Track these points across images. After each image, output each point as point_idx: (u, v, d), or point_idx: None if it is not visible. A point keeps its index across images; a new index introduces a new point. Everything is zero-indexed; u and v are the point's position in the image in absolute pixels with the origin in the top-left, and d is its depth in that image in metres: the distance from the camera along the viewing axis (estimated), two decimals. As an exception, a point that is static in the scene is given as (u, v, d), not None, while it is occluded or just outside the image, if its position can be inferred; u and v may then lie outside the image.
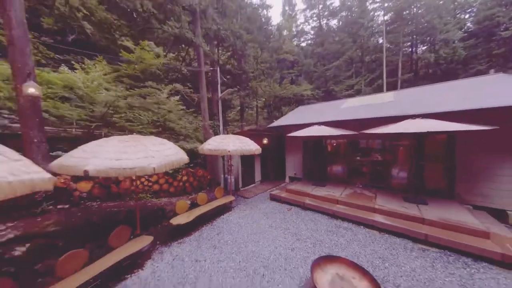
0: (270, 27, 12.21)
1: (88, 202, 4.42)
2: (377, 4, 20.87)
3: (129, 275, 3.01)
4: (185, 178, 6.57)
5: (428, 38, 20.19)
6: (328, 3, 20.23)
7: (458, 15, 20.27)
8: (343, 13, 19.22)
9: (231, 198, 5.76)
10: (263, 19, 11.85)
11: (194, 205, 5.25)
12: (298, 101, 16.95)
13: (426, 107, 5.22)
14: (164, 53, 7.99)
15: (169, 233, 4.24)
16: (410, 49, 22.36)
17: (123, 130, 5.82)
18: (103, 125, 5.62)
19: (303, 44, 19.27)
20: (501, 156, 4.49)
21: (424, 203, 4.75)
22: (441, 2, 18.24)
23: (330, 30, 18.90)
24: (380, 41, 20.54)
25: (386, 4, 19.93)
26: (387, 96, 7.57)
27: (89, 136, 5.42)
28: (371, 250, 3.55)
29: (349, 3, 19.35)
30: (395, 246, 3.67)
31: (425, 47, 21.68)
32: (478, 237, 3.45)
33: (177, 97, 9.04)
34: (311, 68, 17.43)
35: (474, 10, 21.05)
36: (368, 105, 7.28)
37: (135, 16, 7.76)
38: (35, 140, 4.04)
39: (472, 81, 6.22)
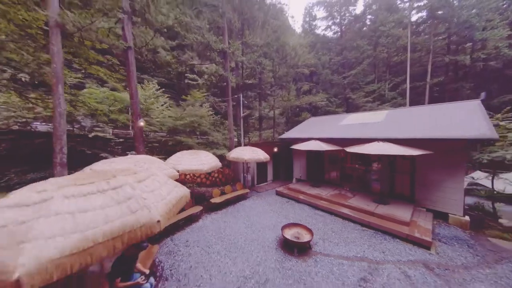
0: (287, 47, 14.41)
1: (165, 186, 7.81)
2: (407, 4, 20.60)
3: (192, 223, 6.10)
4: (216, 175, 9.68)
5: (465, 37, 19.05)
6: (350, 8, 20.99)
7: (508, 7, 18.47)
8: (365, 20, 19.82)
9: (247, 190, 8.57)
10: (280, 40, 14.18)
11: (223, 193, 8.24)
12: (315, 108, 18.75)
13: (391, 132, 6.99)
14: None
15: (209, 208, 7.30)
16: (445, 49, 21.25)
17: (183, 143, 9.23)
18: (170, 138, 9.13)
19: (322, 50, 20.67)
20: (444, 173, 6.10)
21: (385, 203, 6.66)
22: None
23: (350, 39, 19.81)
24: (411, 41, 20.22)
25: (415, 4, 19.62)
26: (379, 116, 9.19)
27: (162, 145, 8.95)
28: (329, 227, 5.87)
29: (372, 8, 19.75)
30: (347, 227, 5.89)
31: (463, 48, 20.37)
32: (401, 225, 5.42)
33: (207, 104, 12.20)
34: (328, 77, 18.88)
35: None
36: (360, 123, 9.09)
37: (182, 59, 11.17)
38: (141, 150, 7.57)
39: (448, 107, 7.53)
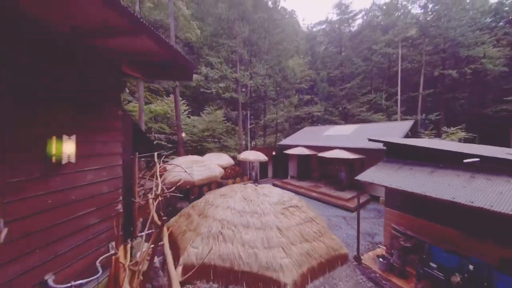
0: (287, 69, 18.63)
1: (196, 176, 12.37)
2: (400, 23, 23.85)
3: (216, 198, 10.56)
4: (229, 171, 14.12)
5: (454, 53, 21.93)
6: (349, 27, 24.67)
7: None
8: (362, 38, 23.46)
9: (251, 182, 12.89)
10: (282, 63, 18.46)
11: (234, 183, 12.60)
12: (313, 117, 22.69)
13: (348, 142, 10.91)
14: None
15: (225, 191, 11.71)
16: (440, 63, 24.09)
17: (205, 147, 13.82)
18: (198, 144, 13.78)
19: (321, 65, 24.63)
20: (377, 170, 9.95)
21: (342, 190, 10.60)
22: (463, 22, 20.15)
23: (347, 55, 23.55)
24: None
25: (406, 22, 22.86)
26: (349, 129, 13.04)
27: (193, 149, 13.57)
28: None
29: (370, 26, 23.30)
30: (312, 202, 9.96)
31: (454, 62, 23.15)
32: (343, 201, 9.40)
33: (220, 111, 16.62)
34: (326, 89, 22.71)
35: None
36: (335, 135, 13.03)
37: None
38: (181, 152, 12.18)
39: (387, 125, 11.28)
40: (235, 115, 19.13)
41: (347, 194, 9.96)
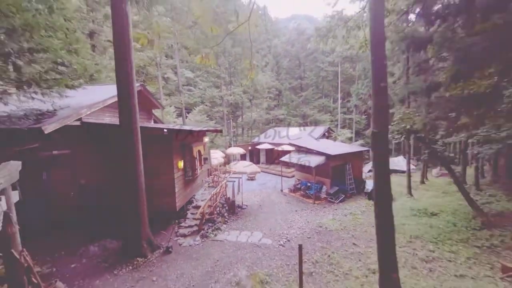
0: (257, 85, 26.61)
1: (199, 165, 20.08)
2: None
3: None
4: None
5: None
6: (307, 46, 33.32)
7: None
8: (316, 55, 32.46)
9: (235, 167, 21.14)
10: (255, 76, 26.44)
11: (224, 168, 20.65)
12: (278, 119, 31.44)
13: (291, 140, 19.73)
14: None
15: (220, 173, 19.77)
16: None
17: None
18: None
19: (285, 76, 33.27)
20: (306, 155, 19.05)
21: (289, 168, 19.51)
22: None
23: (303, 70, 32.42)
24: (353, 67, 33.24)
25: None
26: (296, 131, 21.94)
27: (194, 148, 21.07)
28: (269, 177, 18.63)
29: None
30: (273, 176, 18.67)
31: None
32: (287, 173, 18.31)
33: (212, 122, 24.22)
34: (288, 97, 31.44)
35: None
36: (289, 135, 21.80)
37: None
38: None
39: (315, 128, 20.42)
40: (219, 116, 26.83)
41: (290, 170, 18.87)
